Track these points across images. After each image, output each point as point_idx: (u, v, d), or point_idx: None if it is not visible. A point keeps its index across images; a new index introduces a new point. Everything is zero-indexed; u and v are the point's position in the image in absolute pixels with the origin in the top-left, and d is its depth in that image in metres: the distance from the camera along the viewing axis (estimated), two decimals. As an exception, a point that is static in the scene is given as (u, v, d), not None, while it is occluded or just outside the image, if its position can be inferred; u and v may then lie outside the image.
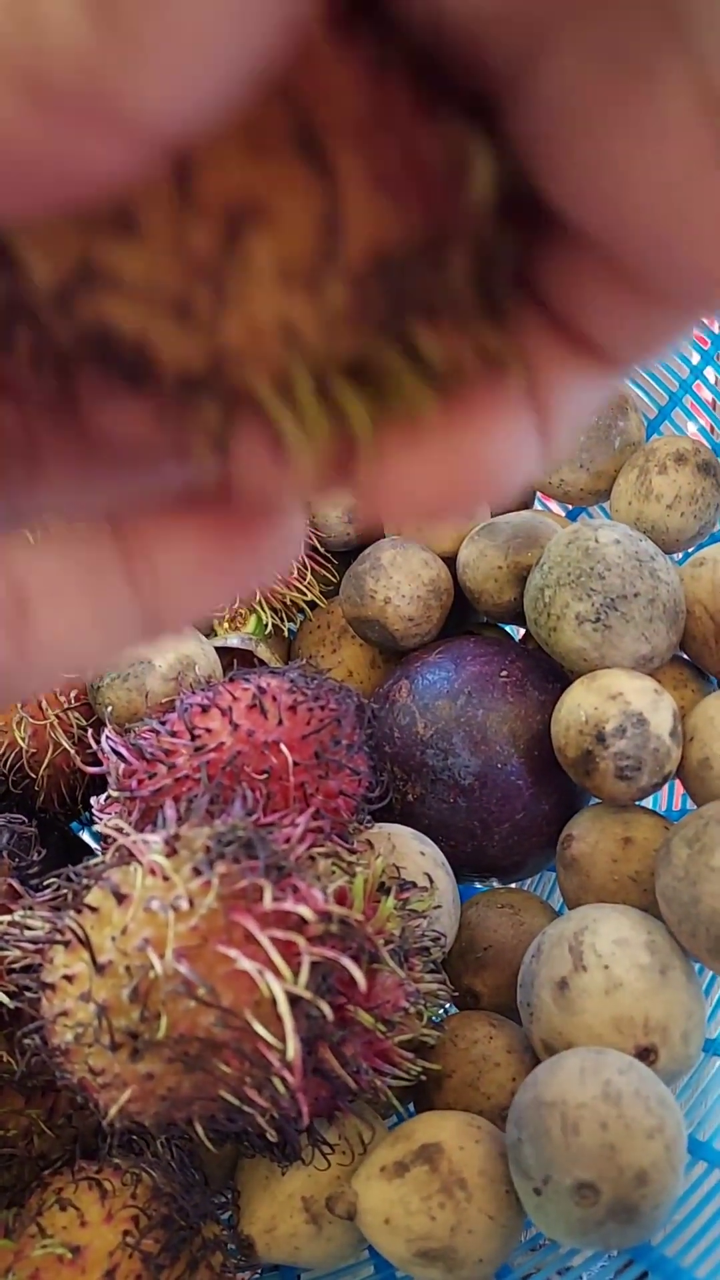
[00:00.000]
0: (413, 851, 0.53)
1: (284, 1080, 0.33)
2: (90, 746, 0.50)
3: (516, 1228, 0.44)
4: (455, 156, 0.12)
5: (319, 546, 0.76)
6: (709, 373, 0.69)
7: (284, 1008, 0.32)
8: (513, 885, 0.66)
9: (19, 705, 0.59)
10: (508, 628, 0.75)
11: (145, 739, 0.45)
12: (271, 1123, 0.35)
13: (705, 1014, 0.49)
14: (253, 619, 0.72)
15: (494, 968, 0.57)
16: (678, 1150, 0.42)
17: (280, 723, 0.45)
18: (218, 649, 0.64)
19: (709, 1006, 0.52)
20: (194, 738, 0.44)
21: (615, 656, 0.56)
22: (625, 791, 0.53)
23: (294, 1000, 0.32)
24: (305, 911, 0.33)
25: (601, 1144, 0.40)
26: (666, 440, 0.64)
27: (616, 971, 0.47)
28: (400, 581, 0.66)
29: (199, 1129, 0.35)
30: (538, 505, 0.77)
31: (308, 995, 0.32)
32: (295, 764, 0.44)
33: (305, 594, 0.73)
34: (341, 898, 0.39)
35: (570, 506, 0.76)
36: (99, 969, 0.33)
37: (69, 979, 0.34)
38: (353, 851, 0.44)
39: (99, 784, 0.48)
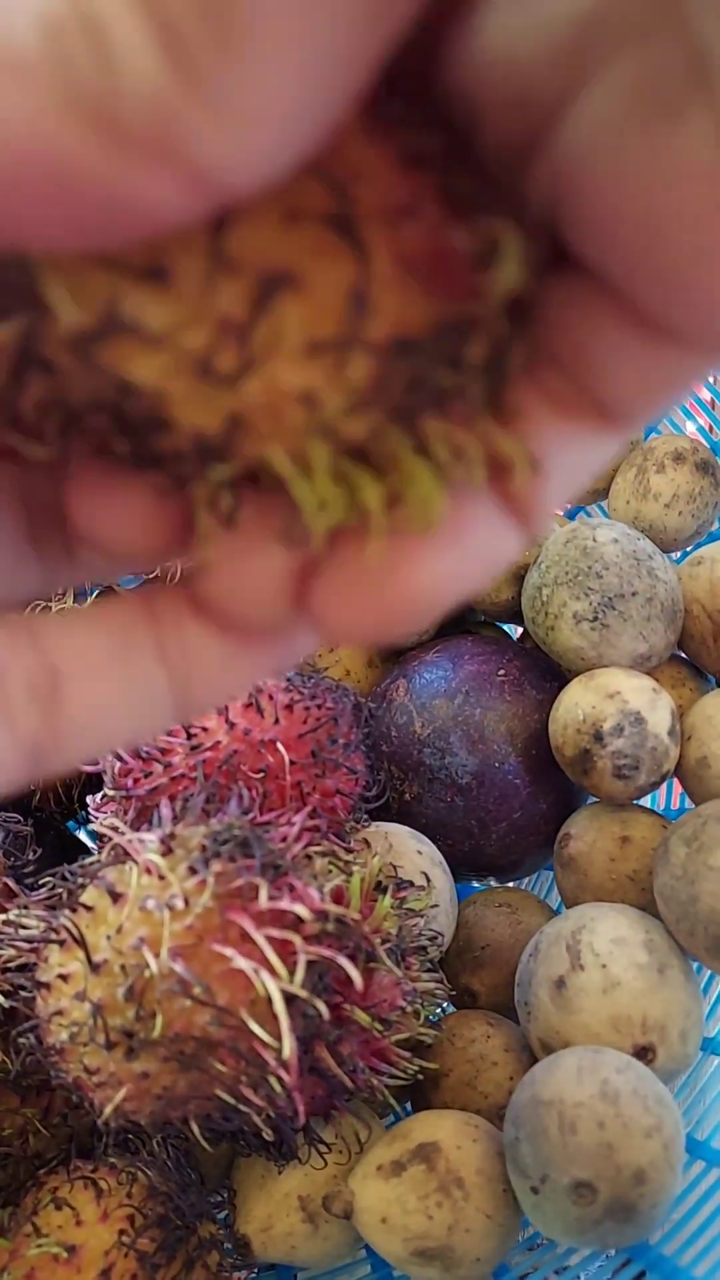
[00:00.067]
0: (410, 850, 0.53)
1: (280, 1079, 0.33)
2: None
3: (514, 1227, 0.44)
4: (483, 250, 0.12)
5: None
6: (707, 371, 0.68)
7: (279, 1006, 0.32)
8: (510, 884, 0.66)
9: None
10: (505, 626, 0.74)
11: (141, 737, 0.45)
12: (267, 1122, 0.34)
13: (703, 1013, 0.49)
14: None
15: (491, 967, 0.57)
16: (675, 1149, 0.42)
17: (277, 721, 0.45)
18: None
19: (707, 1005, 0.52)
20: (190, 736, 0.44)
21: (613, 655, 0.55)
22: (623, 790, 0.53)
23: (290, 999, 0.32)
24: (301, 910, 0.33)
25: (599, 1143, 0.40)
26: (665, 439, 0.64)
27: (614, 970, 0.47)
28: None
29: (194, 1128, 0.35)
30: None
31: (303, 994, 0.32)
32: (292, 763, 0.44)
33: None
34: (338, 897, 0.39)
35: (568, 505, 0.76)
36: (94, 968, 0.33)
37: (64, 978, 0.34)
38: (350, 850, 0.44)
39: (95, 783, 0.48)
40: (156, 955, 0.32)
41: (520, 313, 0.13)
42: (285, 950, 0.32)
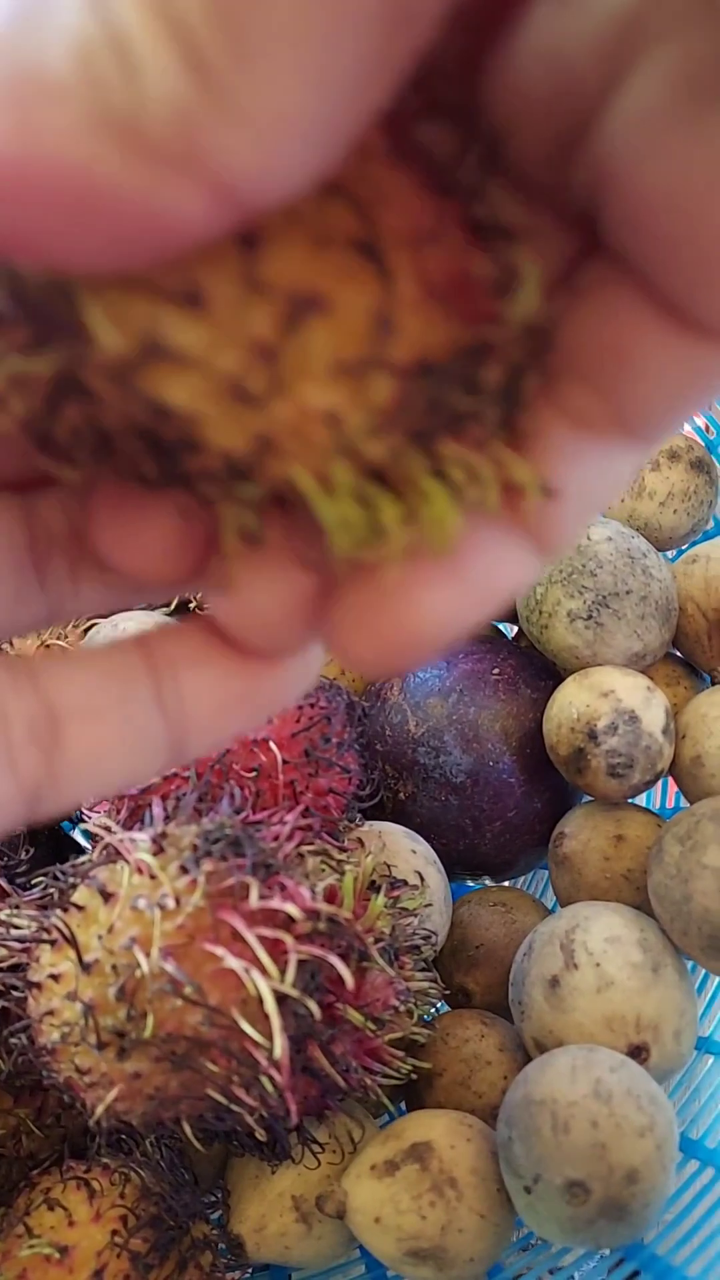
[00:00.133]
0: (404, 849, 0.53)
1: (272, 1079, 0.33)
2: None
3: (508, 1227, 0.44)
4: (503, 277, 0.13)
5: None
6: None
7: (270, 1006, 0.31)
8: (505, 883, 0.66)
9: None
10: (500, 625, 0.74)
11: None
12: (260, 1121, 0.34)
13: (697, 1012, 0.49)
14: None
15: (486, 966, 0.57)
16: (669, 1149, 0.42)
17: (269, 720, 0.45)
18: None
19: (701, 1004, 0.52)
20: (183, 735, 0.44)
21: (607, 654, 0.55)
22: (617, 789, 0.53)
23: (281, 998, 0.32)
24: (292, 909, 0.33)
25: (592, 1142, 0.40)
26: (659, 437, 0.64)
27: (608, 969, 0.47)
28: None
29: (187, 1128, 0.35)
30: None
31: (295, 993, 0.32)
32: (284, 762, 0.44)
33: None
34: (332, 896, 0.38)
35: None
36: (85, 968, 0.33)
37: (55, 978, 0.34)
38: (343, 849, 0.44)
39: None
40: (148, 955, 0.32)
41: (536, 339, 0.13)
42: (276, 950, 0.32)
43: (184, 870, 0.33)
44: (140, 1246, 0.38)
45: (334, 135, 0.10)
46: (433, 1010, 0.55)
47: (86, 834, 0.58)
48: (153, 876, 0.33)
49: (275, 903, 0.33)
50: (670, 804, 0.66)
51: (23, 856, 0.46)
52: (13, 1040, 0.37)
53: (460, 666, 0.61)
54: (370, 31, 0.09)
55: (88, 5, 0.09)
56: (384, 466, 0.13)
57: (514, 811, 0.59)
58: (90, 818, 0.41)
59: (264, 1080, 0.33)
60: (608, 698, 0.52)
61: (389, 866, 0.49)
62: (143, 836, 0.35)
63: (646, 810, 0.56)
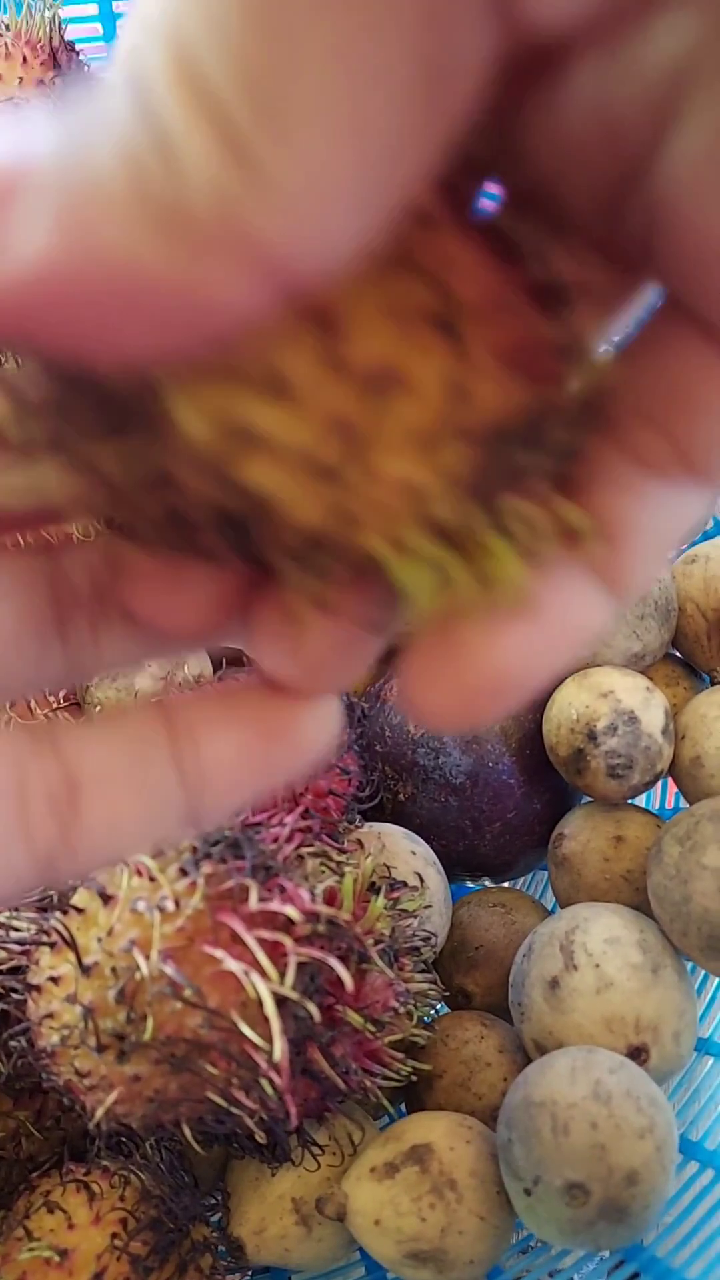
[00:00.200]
0: (404, 851, 0.53)
1: (271, 1081, 0.33)
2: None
3: (508, 1229, 0.44)
4: (568, 339, 0.13)
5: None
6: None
7: (270, 1008, 0.31)
8: (504, 884, 0.66)
9: (8, 705, 0.58)
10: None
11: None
12: (260, 1124, 0.34)
13: (697, 1013, 0.49)
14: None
15: (485, 967, 0.57)
16: (669, 1150, 0.42)
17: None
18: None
19: (701, 1006, 0.52)
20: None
21: (606, 654, 0.55)
22: (616, 790, 0.53)
23: (281, 1001, 0.32)
24: (291, 912, 0.33)
25: (592, 1144, 0.40)
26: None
27: (608, 970, 0.47)
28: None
29: (186, 1131, 0.35)
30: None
31: (294, 996, 0.32)
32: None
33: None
34: (331, 898, 0.38)
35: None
36: (85, 970, 0.33)
37: (55, 981, 0.34)
38: (342, 851, 0.44)
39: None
40: (147, 957, 0.32)
41: (598, 396, 0.14)
42: (276, 952, 0.32)
43: (183, 872, 0.33)
44: (140, 1249, 0.38)
45: (376, 204, 0.10)
46: (432, 1012, 0.55)
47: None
48: (152, 879, 0.33)
49: (275, 905, 0.33)
50: (670, 804, 0.66)
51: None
52: (12, 1043, 0.37)
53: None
54: (405, 96, 0.09)
55: (134, 103, 0.09)
56: (452, 527, 0.13)
57: (513, 812, 0.59)
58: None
59: (264, 1082, 0.33)
60: (607, 698, 0.52)
61: (388, 868, 0.49)
62: (142, 839, 0.35)
63: (646, 811, 0.56)
